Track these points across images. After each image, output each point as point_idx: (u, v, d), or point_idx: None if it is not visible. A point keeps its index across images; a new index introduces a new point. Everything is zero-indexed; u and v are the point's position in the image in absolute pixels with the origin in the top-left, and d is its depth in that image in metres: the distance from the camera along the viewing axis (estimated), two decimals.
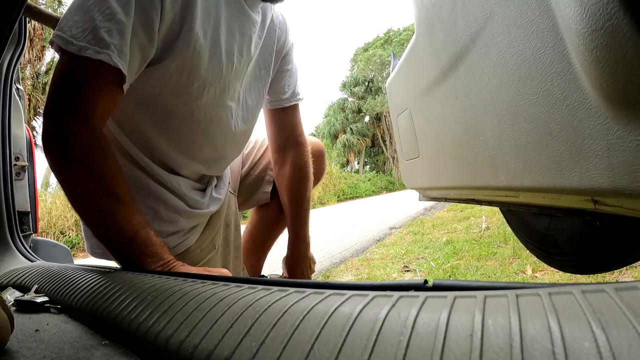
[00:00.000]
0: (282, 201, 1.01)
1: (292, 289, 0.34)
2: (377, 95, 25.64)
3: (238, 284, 0.40)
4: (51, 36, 0.56)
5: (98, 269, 0.62)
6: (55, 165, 0.57)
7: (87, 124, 0.56)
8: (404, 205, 7.71)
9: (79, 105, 0.55)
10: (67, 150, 0.55)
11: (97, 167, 0.56)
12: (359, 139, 26.10)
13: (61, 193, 8.26)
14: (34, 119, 14.79)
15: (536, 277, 1.83)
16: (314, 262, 1.06)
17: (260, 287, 0.37)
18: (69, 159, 0.56)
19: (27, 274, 0.70)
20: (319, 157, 1.09)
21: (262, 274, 1.15)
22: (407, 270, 2.45)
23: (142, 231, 0.58)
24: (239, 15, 0.71)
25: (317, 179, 1.08)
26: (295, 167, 0.96)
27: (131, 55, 0.58)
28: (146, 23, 0.58)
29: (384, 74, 24.93)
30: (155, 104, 0.68)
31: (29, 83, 13.85)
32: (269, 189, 1.05)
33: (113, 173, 0.58)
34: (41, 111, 14.80)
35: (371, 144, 27.77)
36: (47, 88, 0.57)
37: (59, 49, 0.55)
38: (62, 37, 0.54)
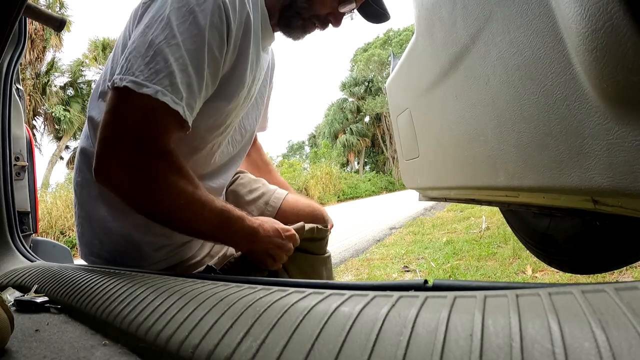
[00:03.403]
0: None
1: (292, 289, 0.34)
2: (377, 96, 25.63)
3: (238, 284, 0.40)
4: (117, 79, 0.53)
5: (98, 268, 0.62)
6: (138, 186, 0.56)
7: (159, 151, 0.56)
8: (404, 205, 7.71)
9: (154, 142, 0.55)
10: (150, 167, 0.55)
11: (179, 167, 0.58)
12: (358, 139, 26.10)
13: (61, 193, 8.26)
14: (34, 119, 14.80)
15: (536, 277, 1.83)
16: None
17: (260, 287, 0.37)
18: (156, 171, 0.55)
19: (27, 274, 0.70)
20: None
21: None
22: (407, 271, 2.45)
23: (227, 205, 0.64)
24: (261, 59, 0.75)
25: None
26: (256, 152, 1.09)
27: (198, 103, 0.59)
28: (215, 74, 0.61)
29: (384, 74, 24.92)
30: (186, 138, 0.68)
31: (29, 83, 13.85)
32: None
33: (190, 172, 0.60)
34: (41, 111, 14.82)
35: (371, 144, 27.77)
36: (104, 118, 0.54)
37: (122, 89, 0.53)
38: (134, 81, 0.52)
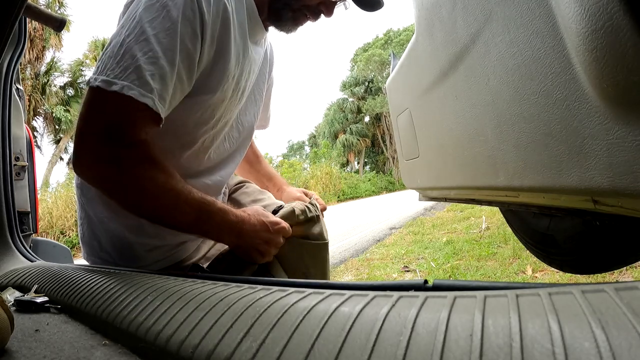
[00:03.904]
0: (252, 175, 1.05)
1: (292, 289, 0.34)
2: (377, 96, 25.63)
3: (238, 284, 0.40)
4: (88, 79, 0.55)
5: (98, 268, 0.62)
6: (113, 179, 0.56)
7: (133, 142, 0.56)
8: (404, 205, 7.70)
9: (123, 132, 0.55)
10: (123, 161, 0.55)
11: (156, 159, 0.58)
12: (358, 139, 26.10)
13: (62, 192, 8.27)
14: (33, 119, 14.80)
15: (536, 277, 1.83)
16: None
17: (260, 287, 0.37)
18: (128, 165, 0.56)
19: (27, 274, 0.71)
20: None
21: None
22: (407, 271, 2.45)
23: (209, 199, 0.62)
24: (253, 53, 0.74)
25: None
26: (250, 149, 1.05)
27: (172, 96, 0.59)
28: (190, 67, 0.60)
29: (384, 74, 24.92)
30: (176, 133, 0.69)
31: (29, 83, 13.86)
32: None
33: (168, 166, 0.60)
34: (41, 111, 14.82)
35: (371, 144, 27.77)
36: (78, 118, 0.57)
37: (94, 88, 0.54)
38: (105, 80, 0.53)
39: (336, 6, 0.75)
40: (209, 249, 0.83)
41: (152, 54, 0.55)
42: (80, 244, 0.77)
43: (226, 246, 0.82)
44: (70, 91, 16.06)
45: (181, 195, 0.58)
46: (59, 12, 13.74)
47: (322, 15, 0.75)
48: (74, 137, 0.58)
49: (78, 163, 0.57)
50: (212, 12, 0.61)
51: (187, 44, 0.58)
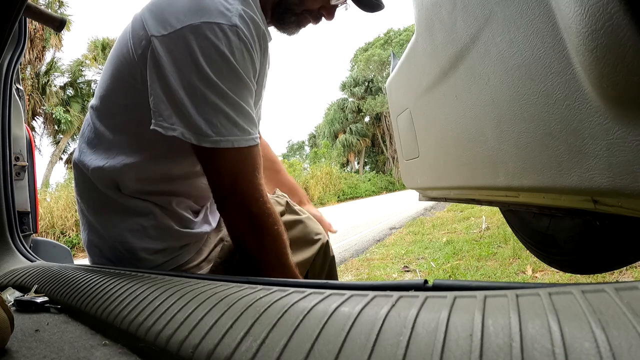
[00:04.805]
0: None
1: (292, 289, 0.34)
2: (377, 96, 25.63)
3: (238, 284, 0.40)
4: (196, 140, 0.59)
5: (98, 268, 0.62)
6: (268, 234, 0.64)
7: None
8: (404, 205, 7.71)
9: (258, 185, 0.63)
10: (265, 217, 0.64)
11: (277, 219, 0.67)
12: (358, 139, 26.10)
13: (61, 193, 8.26)
14: (33, 119, 14.79)
15: (536, 277, 1.83)
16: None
17: (260, 287, 0.37)
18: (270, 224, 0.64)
19: (27, 274, 0.71)
20: None
21: None
22: (407, 271, 2.45)
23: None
24: (268, 59, 0.77)
25: None
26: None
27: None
28: (252, 96, 0.65)
29: (384, 74, 24.91)
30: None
31: (29, 83, 13.86)
32: None
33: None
34: (40, 112, 14.81)
35: (371, 144, 27.76)
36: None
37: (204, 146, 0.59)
38: (213, 140, 0.58)
39: (337, 9, 0.77)
40: (210, 251, 0.83)
41: (235, 105, 0.59)
42: (85, 250, 0.77)
43: (224, 248, 0.83)
44: (70, 91, 16.06)
45: (293, 269, 0.68)
46: (59, 12, 13.74)
47: (323, 18, 0.77)
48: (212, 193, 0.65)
49: (228, 222, 0.65)
50: (256, 43, 0.64)
51: (248, 82, 0.63)
